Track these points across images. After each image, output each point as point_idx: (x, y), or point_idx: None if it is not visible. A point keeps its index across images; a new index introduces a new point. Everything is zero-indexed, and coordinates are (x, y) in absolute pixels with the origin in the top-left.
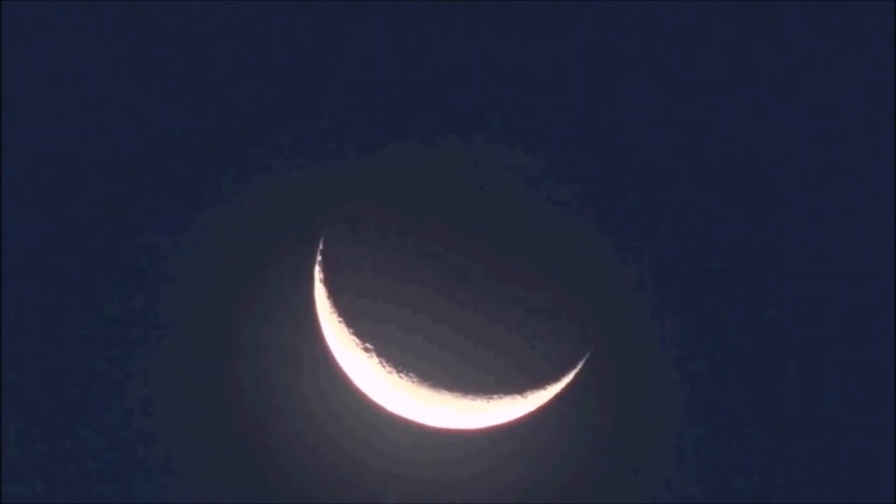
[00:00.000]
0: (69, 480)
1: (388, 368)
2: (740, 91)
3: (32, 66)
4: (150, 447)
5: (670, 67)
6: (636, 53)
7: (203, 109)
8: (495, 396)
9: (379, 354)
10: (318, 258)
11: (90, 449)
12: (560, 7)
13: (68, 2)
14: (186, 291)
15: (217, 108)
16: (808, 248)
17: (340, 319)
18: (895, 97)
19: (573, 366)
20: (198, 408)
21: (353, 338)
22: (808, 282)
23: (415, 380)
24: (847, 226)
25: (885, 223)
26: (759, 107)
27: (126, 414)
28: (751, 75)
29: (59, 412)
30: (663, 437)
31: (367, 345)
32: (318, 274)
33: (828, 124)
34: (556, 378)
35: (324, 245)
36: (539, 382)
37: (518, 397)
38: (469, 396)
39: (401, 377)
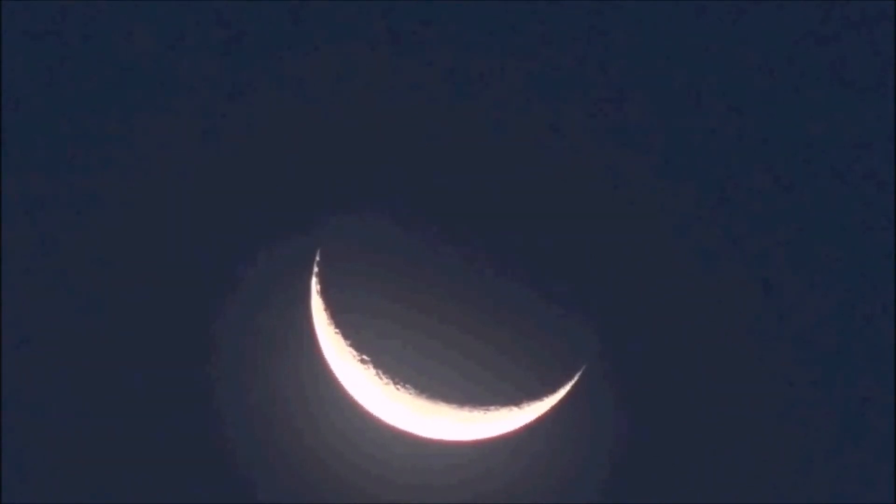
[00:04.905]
0: (51, 481)
1: (386, 380)
2: (744, 96)
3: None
4: (147, 452)
5: (677, 69)
6: (652, 55)
7: (203, 112)
8: (492, 408)
9: (376, 366)
10: (315, 270)
11: (76, 450)
12: (568, 7)
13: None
14: (182, 301)
15: (217, 110)
16: (810, 249)
17: (337, 331)
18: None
19: (570, 377)
20: (192, 419)
21: (351, 349)
22: (810, 284)
23: (412, 391)
24: (849, 228)
25: (885, 223)
26: (762, 113)
27: (123, 420)
28: (770, 87)
29: (40, 413)
30: (661, 448)
31: (365, 356)
32: (315, 286)
33: (830, 126)
34: (552, 389)
35: (321, 257)
36: (536, 394)
37: (515, 408)
38: (466, 408)
39: (398, 388)
